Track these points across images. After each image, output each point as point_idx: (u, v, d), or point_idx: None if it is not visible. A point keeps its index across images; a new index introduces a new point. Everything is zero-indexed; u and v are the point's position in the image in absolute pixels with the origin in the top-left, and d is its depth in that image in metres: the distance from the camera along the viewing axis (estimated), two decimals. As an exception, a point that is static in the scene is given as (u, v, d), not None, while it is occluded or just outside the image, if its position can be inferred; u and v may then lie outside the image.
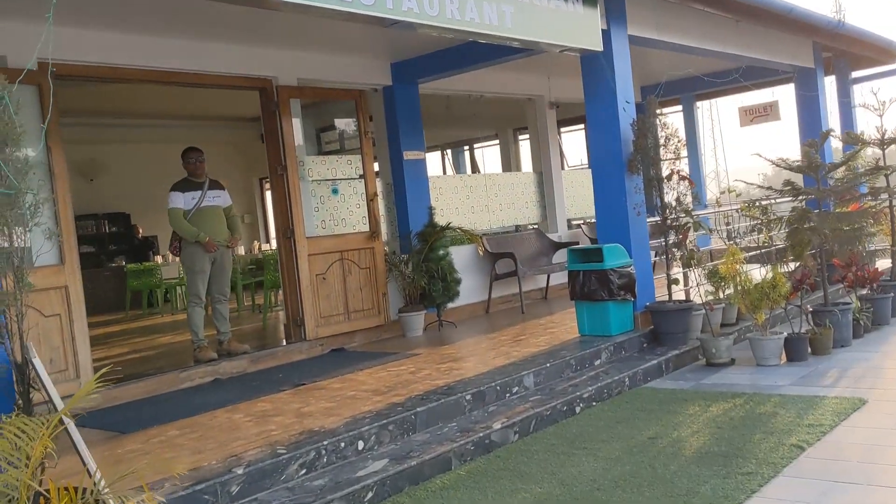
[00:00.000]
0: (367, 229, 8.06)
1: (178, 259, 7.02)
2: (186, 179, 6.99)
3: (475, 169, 15.86)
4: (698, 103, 13.64)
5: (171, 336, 9.34)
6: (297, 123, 7.57)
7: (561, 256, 10.17)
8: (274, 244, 11.69)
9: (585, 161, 13.60)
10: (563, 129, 14.20)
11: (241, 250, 12.53)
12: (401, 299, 8.20)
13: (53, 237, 5.65)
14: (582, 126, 13.33)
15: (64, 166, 5.94)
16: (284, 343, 7.51)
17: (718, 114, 44.48)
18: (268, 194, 17.60)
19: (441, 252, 8.27)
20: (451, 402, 5.16)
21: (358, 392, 5.61)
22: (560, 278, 10.25)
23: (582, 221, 11.25)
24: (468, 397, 5.29)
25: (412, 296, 8.09)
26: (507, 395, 5.57)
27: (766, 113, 12.68)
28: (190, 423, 5.16)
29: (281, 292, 7.90)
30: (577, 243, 9.96)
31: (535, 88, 10.42)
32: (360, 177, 8.11)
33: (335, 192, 7.98)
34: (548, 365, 5.99)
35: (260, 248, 12.28)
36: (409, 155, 8.56)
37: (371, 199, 8.02)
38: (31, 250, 5.95)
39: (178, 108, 14.38)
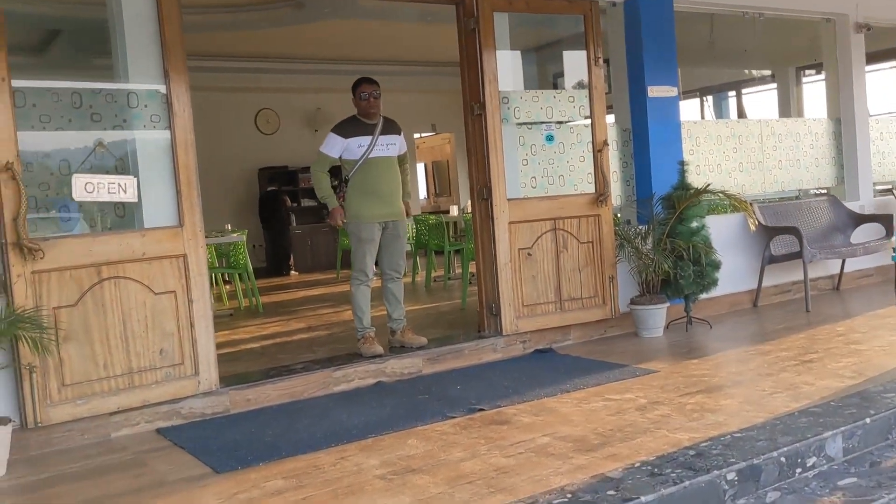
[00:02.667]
0: (593, 190, 6.02)
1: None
2: (354, 119, 5.38)
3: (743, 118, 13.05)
4: None
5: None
6: (502, 46, 5.68)
7: (864, 234, 7.46)
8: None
9: None
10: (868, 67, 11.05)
11: (454, 210, 10.94)
12: (634, 286, 6.11)
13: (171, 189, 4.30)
14: None
15: (187, 102, 4.53)
16: (475, 336, 5.76)
17: None
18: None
19: (694, 224, 6.04)
20: (700, 484, 3.10)
21: (553, 440, 3.69)
22: (859, 263, 7.55)
23: (894, 187, 8.34)
24: (730, 476, 3.19)
25: (650, 282, 5.97)
26: (797, 470, 3.39)
27: None
28: (307, 467, 3.56)
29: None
30: (892, 216, 7.19)
31: (838, 3, 7.65)
32: (586, 119, 6.07)
33: (550, 139, 6.02)
34: (866, 420, 3.69)
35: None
36: (655, 91, 6.36)
37: (599, 150, 5.96)
38: (140, 207, 4.71)
39: (403, 52, 13.15)
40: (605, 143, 5.98)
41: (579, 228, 5.91)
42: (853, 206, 7.63)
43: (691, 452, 3.39)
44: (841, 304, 6.84)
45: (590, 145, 6.13)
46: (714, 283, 6.03)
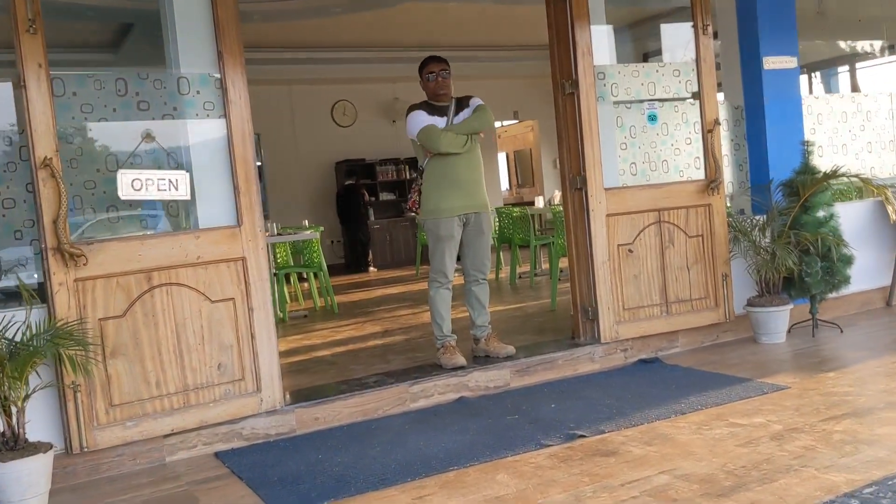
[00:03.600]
0: (702, 177, 5.30)
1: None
2: (425, 104, 4.82)
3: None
4: None
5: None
6: (595, 20, 5.01)
7: None
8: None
9: None
10: None
11: (540, 201, 10.27)
12: (750, 285, 5.36)
13: (228, 185, 3.83)
14: None
15: (244, 88, 4.05)
16: (568, 343, 5.13)
17: None
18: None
19: (821, 213, 5.25)
20: (876, 551, 2.41)
21: (674, 479, 3.04)
22: None
23: None
24: (914, 539, 2.48)
25: (770, 281, 5.21)
26: None
27: None
28: (375, 509, 3.03)
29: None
30: None
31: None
32: (693, 96, 5.34)
33: (653, 119, 5.32)
34: None
35: (558, 199, 9.91)
36: (772, 62, 5.57)
37: (710, 130, 5.23)
38: (195, 204, 4.24)
39: (483, 35, 12.55)
40: (717, 121, 5.24)
41: (687, 220, 5.20)
42: None
43: (854, 502, 2.70)
44: None
45: (697, 125, 5.40)
46: (846, 280, 5.23)
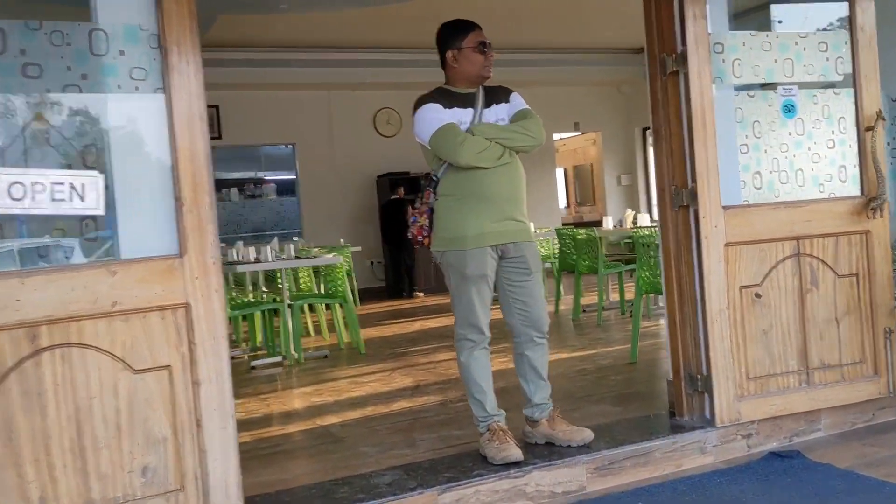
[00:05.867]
0: (856, 192, 3.78)
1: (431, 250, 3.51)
2: (443, 92, 3.39)
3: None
4: None
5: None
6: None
7: None
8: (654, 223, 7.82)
9: None
10: None
11: (609, 222, 8.78)
12: (924, 344, 3.82)
13: (164, 195, 2.49)
14: None
15: (194, 52, 2.69)
16: (668, 425, 3.65)
17: None
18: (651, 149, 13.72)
19: None
20: None
21: None
22: None
23: None
24: None
25: (954, 340, 3.66)
26: None
27: None
28: None
29: (664, 308, 3.95)
30: None
31: None
32: (844, 81, 3.84)
33: (790, 110, 3.81)
34: None
35: (634, 221, 8.40)
36: (948, 36, 4.05)
37: (869, 128, 3.72)
38: (114, 222, 2.75)
39: (542, 37, 11.18)
40: (881, 115, 3.72)
41: (836, 253, 3.68)
42: None
43: None
44: None
45: (842, 122, 3.89)
46: None
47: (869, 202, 3.70)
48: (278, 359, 6.36)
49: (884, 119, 3.75)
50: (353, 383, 5.33)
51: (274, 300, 6.55)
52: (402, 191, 11.33)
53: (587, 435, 3.37)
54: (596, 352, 5.82)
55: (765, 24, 6.09)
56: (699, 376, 3.56)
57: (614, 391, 4.55)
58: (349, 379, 5.49)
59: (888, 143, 4.20)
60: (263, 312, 6.80)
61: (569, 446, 3.33)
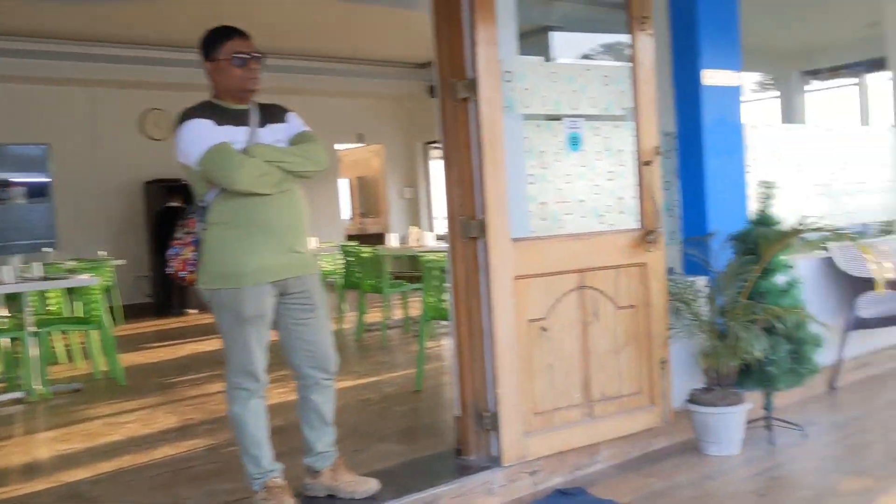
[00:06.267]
0: (636, 225, 3.85)
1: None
2: (210, 105, 2.99)
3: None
4: None
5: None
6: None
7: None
8: (440, 240, 7.85)
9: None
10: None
11: (394, 239, 8.64)
12: (690, 372, 3.98)
13: None
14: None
15: None
16: (455, 466, 3.49)
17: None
18: (434, 162, 13.86)
19: (780, 279, 3.95)
20: None
21: None
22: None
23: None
24: None
25: (720, 368, 3.82)
26: None
27: None
28: None
29: (448, 326, 3.80)
30: None
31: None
32: (626, 113, 3.91)
33: (575, 143, 3.82)
34: None
35: (419, 239, 8.33)
36: (711, 77, 4.26)
37: (647, 162, 3.80)
38: None
39: (327, 45, 10.88)
40: (658, 150, 3.82)
41: (617, 285, 3.72)
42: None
43: None
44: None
45: (622, 154, 3.98)
46: (815, 370, 3.95)
47: (646, 235, 3.78)
48: (20, 394, 5.53)
49: (660, 154, 3.85)
50: (109, 425, 4.71)
51: (15, 326, 5.70)
52: (179, 199, 10.48)
53: (371, 486, 3.12)
54: (380, 378, 5.61)
55: (543, 50, 6.20)
56: (486, 414, 3.43)
57: (400, 425, 4.35)
58: (104, 419, 4.85)
59: (662, 177, 4.35)
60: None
61: (352, 499, 3.07)
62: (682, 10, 4.27)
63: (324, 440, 3.13)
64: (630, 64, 3.77)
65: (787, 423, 4.07)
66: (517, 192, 3.54)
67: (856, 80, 10.03)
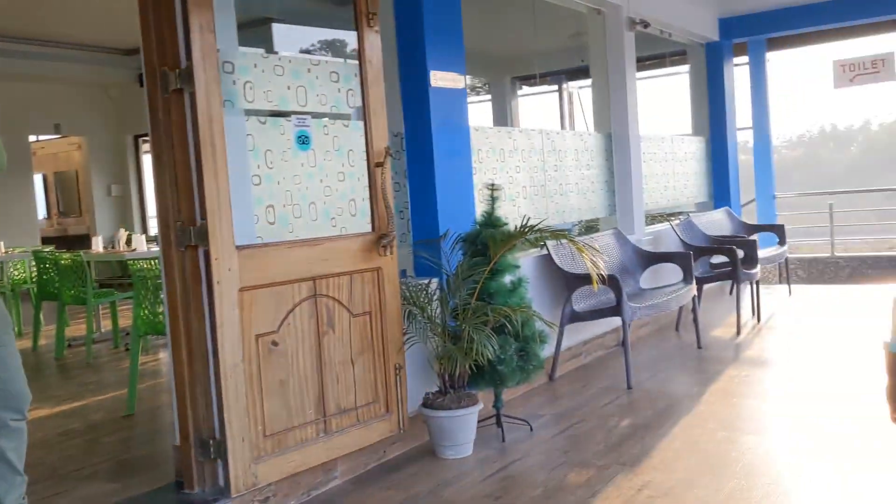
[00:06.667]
0: (368, 229, 3.71)
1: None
2: None
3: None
4: (770, 54, 9.81)
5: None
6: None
7: (653, 277, 6.16)
8: (154, 246, 7.20)
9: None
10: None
11: (99, 244, 7.77)
12: (427, 377, 3.93)
13: None
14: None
15: None
16: (176, 500, 3.11)
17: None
18: (147, 157, 12.81)
19: (508, 279, 4.03)
20: None
21: None
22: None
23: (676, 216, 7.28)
24: None
25: (451, 370, 3.81)
26: None
27: (875, 70, 9.09)
28: None
29: (164, 340, 3.39)
30: (689, 254, 5.89)
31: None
32: (355, 113, 3.75)
33: (304, 142, 3.58)
34: None
35: (129, 242, 7.57)
36: (440, 79, 4.25)
37: (379, 164, 3.67)
38: None
39: (14, 23, 9.52)
40: (388, 152, 3.70)
41: (351, 292, 3.56)
42: (631, 238, 6.26)
43: None
44: (652, 372, 5.33)
45: (353, 154, 3.83)
46: (541, 366, 4.08)
47: (380, 239, 3.66)
48: None
49: (391, 155, 3.75)
50: None
51: None
52: None
53: (75, 539, 2.66)
54: (86, 402, 4.96)
55: (264, 42, 5.85)
56: (212, 441, 3.09)
57: (110, 459, 3.82)
58: None
59: (392, 178, 4.26)
60: None
61: (49, 560, 2.59)
62: (408, 10, 4.21)
63: (14, 492, 2.60)
64: (357, 64, 3.61)
65: (515, 419, 4.18)
66: (241, 195, 3.23)
67: (556, 87, 10.87)
